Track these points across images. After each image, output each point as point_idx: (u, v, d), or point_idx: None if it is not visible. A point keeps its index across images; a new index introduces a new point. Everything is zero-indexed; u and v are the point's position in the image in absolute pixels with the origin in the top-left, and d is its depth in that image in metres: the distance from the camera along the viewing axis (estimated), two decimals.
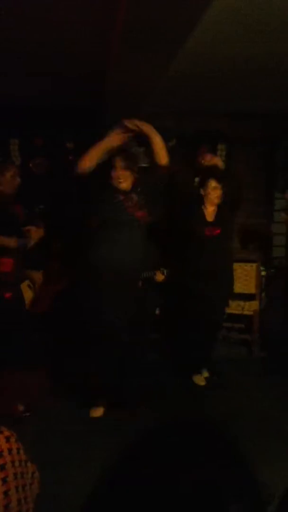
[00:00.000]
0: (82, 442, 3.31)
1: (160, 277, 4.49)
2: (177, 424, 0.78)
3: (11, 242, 3.57)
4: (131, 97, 4.62)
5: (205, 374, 4.49)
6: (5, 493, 1.05)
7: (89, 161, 3.44)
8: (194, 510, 0.65)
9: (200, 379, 4.42)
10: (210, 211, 4.29)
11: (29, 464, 1.16)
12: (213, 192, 4.21)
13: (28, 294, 4.15)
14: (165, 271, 4.48)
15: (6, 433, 1.13)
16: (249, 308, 5.09)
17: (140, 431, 0.75)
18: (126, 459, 0.72)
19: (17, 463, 1.10)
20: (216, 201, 4.24)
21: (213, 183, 4.22)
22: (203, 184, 4.28)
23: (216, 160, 4.50)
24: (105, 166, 3.54)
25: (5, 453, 1.09)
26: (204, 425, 0.78)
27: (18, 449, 1.12)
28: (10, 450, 1.10)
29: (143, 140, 3.61)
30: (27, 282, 4.16)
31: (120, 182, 3.52)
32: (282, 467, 2.88)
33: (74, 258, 3.70)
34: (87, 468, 2.70)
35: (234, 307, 4.93)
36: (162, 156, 3.52)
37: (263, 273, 5.23)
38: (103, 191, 3.56)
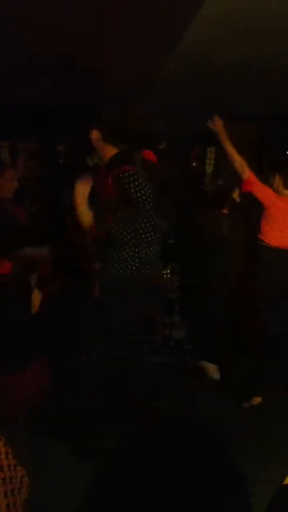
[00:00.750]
0: (81, 442, 3.28)
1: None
2: (175, 424, 0.78)
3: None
4: (126, 98, 4.62)
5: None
6: None
7: None
8: (193, 509, 0.65)
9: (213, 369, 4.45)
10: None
11: (18, 468, 1.14)
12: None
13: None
14: None
15: None
16: None
17: (140, 431, 0.75)
18: (125, 459, 0.72)
19: (5, 468, 1.08)
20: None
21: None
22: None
23: None
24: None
25: None
26: (202, 425, 0.78)
27: (6, 453, 1.10)
28: None
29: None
30: None
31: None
32: (282, 467, 2.86)
33: (64, 263, 3.71)
34: (86, 468, 2.67)
35: None
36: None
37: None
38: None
